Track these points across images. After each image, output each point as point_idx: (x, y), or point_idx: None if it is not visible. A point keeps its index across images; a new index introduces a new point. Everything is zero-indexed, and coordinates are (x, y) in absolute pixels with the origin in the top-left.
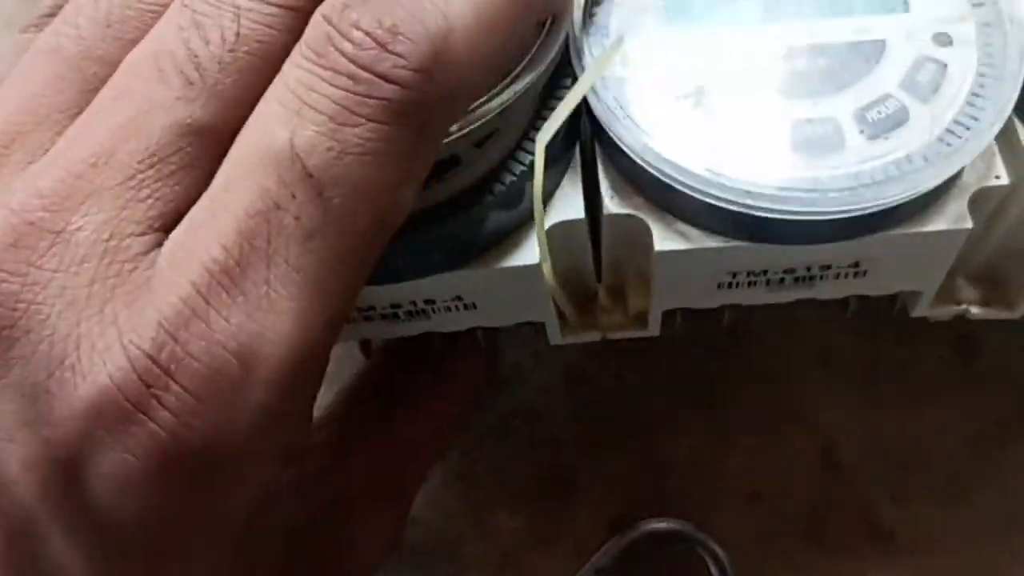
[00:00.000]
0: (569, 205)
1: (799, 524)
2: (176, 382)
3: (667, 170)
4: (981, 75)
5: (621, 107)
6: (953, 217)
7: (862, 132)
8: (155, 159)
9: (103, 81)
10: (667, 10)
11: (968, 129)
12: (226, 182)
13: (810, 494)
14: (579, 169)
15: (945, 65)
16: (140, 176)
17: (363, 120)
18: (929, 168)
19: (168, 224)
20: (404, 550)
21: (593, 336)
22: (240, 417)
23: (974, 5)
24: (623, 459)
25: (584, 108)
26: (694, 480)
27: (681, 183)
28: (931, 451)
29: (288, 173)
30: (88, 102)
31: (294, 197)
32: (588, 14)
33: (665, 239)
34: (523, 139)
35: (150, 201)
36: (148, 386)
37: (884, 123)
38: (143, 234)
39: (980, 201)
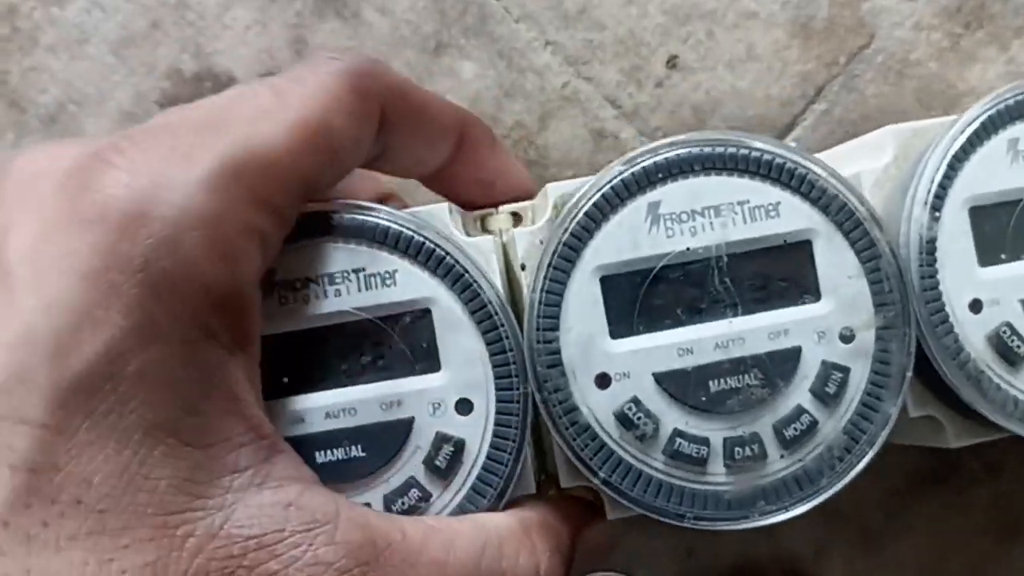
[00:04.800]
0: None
1: (732, 575)
2: None
3: None
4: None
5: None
6: None
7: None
8: None
9: None
10: (611, 332)
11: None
12: None
13: (740, 548)
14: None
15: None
16: None
17: None
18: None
19: None
20: None
21: None
22: None
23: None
24: None
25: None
26: (635, 536)
27: None
28: (848, 505)
29: None
30: None
31: None
32: (541, 340)
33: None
34: None
35: None
36: None
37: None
38: None
39: None
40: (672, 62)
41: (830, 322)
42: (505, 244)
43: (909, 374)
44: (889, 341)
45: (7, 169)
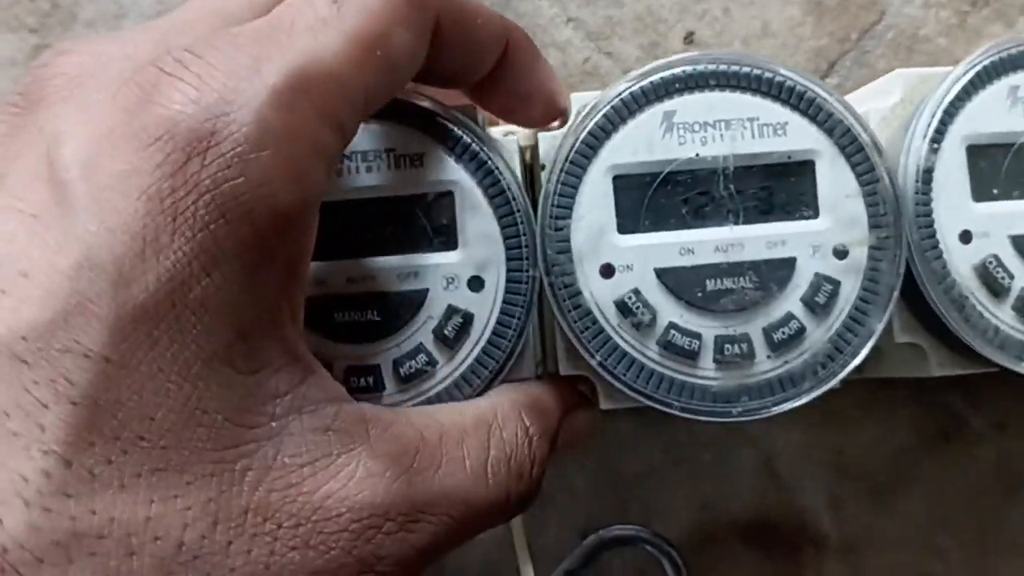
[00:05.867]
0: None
1: (743, 529)
2: None
3: None
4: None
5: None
6: None
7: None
8: None
9: None
10: (618, 227)
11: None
12: None
13: (753, 502)
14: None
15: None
16: None
17: None
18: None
19: None
20: None
21: None
22: None
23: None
24: (589, 474)
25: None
26: (651, 491)
27: None
28: (860, 464)
29: None
30: None
31: None
32: (553, 227)
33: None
34: None
35: None
36: None
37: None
38: None
39: None
40: (689, 38)
41: (826, 238)
42: (528, 148)
43: (896, 293)
44: (880, 260)
45: (48, 69)
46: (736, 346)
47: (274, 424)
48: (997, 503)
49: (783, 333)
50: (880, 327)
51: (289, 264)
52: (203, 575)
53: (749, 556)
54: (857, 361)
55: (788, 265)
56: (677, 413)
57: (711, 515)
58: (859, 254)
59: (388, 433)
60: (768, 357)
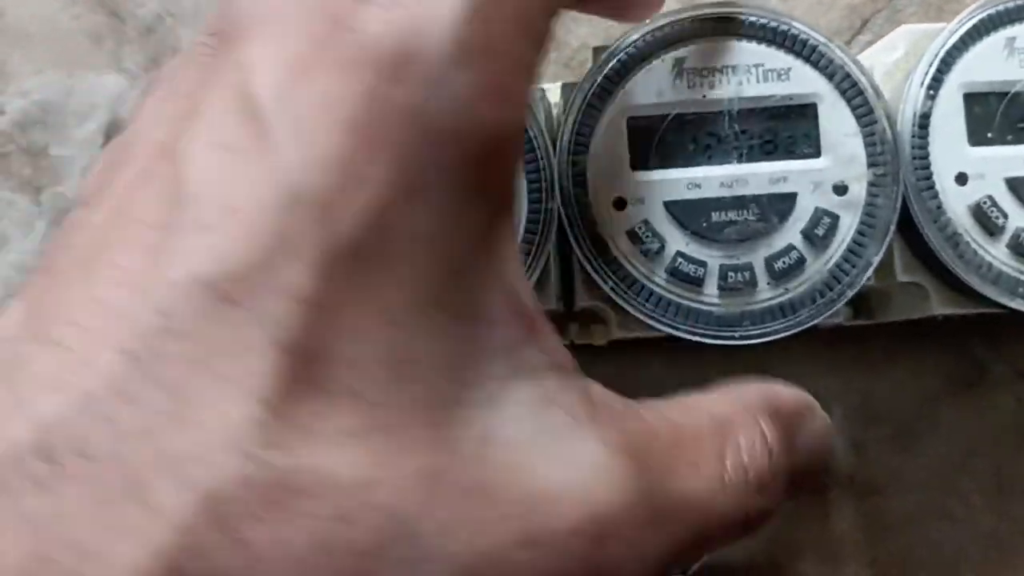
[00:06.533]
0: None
1: None
2: None
3: None
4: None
5: None
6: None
7: None
8: None
9: None
10: (631, 164)
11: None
12: None
13: None
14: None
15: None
16: None
17: None
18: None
19: None
20: None
21: None
22: None
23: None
24: None
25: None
26: None
27: None
28: (884, 406)
29: None
30: None
31: None
32: (570, 162)
33: None
34: None
35: None
36: None
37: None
38: None
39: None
40: None
41: (826, 175)
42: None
43: (893, 228)
44: (877, 196)
45: (237, 6)
46: (739, 274)
47: (490, 385)
48: (1016, 447)
49: (784, 263)
50: (877, 259)
51: (501, 193)
52: (421, 554)
53: None
54: (853, 292)
55: (789, 200)
56: (683, 336)
57: None
58: (857, 190)
59: (621, 422)
60: (769, 285)
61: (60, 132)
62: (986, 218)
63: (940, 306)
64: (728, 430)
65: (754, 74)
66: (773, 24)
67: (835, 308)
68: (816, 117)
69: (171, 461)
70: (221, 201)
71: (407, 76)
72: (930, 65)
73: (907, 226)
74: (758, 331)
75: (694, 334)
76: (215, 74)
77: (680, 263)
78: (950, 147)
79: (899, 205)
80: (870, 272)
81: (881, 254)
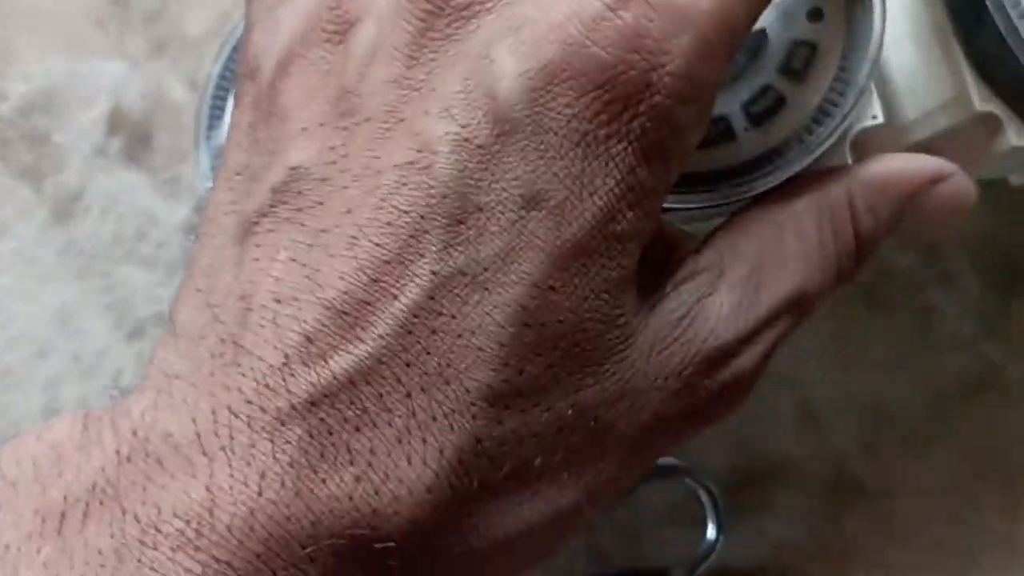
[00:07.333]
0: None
1: (779, 470)
2: None
3: None
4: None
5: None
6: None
7: None
8: None
9: None
10: None
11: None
12: None
13: (789, 444)
14: None
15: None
16: None
17: None
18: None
19: None
20: None
21: None
22: None
23: None
24: None
25: None
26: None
27: None
28: (896, 408)
29: None
30: None
31: None
32: None
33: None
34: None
35: None
36: None
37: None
38: None
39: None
40: None
41: (795, 2)
42: None
43: (880, 46)
44: (855, 11)
45: None
46: (715, 127)
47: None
48: None
49: (760, 106)
50: (864, 80)
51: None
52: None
53: (783, 496)
54: (844, 126)
55: (757, 38)
56: (667, 205)
57: (747, 457)
58: (834, 11)
59: (736, 257)
60: (745, 130)
61: (62, 119)
62: None
63: (1018, 137)
64: (824, 206)
65: None
66: None
67: (825, 146)
68: None
69: None
70: (472, 200)
71: (641, 106)
72: None
73: (983, 51)
74: (744, 183)
75: (677, 201)
76: (455, 53)
77: None
78: None
79: (885, 16)
80: (859, 96)
81: (871, 74)
